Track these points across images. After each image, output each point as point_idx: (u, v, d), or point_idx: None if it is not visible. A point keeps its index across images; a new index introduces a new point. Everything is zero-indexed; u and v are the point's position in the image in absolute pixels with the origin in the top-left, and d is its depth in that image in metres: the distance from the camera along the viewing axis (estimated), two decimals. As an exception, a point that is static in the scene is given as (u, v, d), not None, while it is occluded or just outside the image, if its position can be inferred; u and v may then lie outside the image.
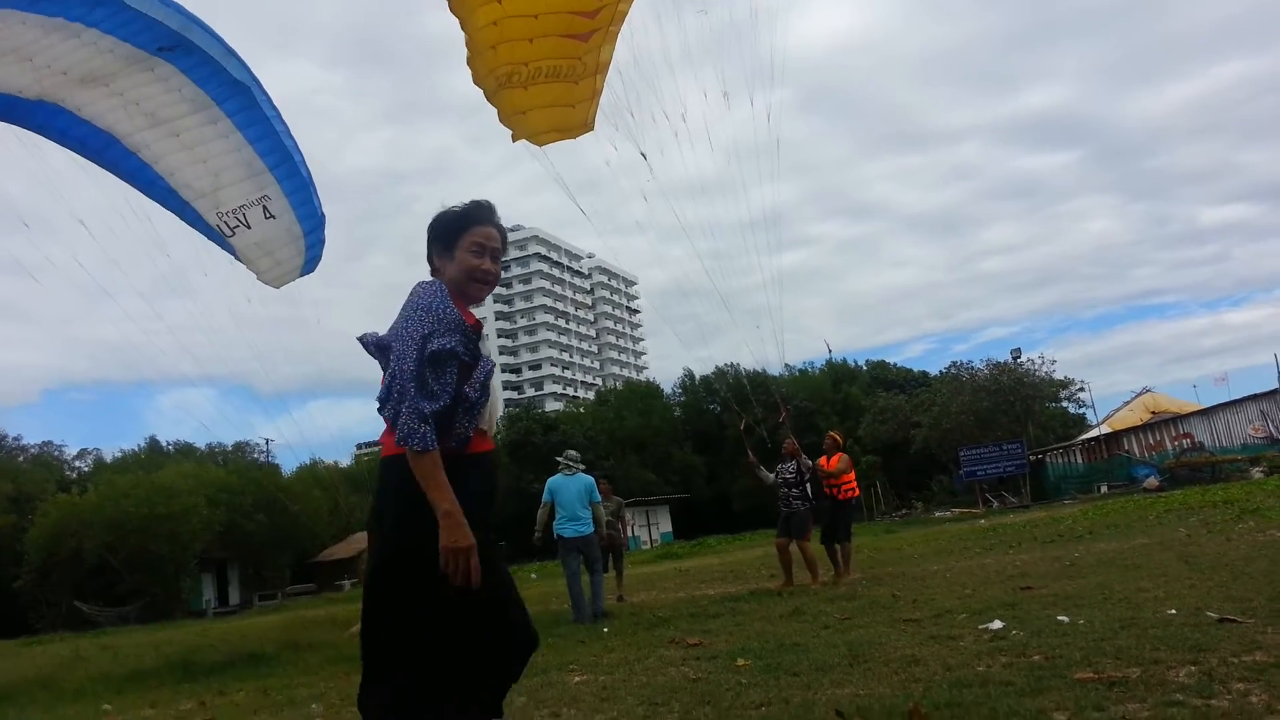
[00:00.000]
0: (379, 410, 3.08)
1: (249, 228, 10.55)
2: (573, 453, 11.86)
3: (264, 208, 10.53)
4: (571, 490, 11.24)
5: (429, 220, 3.36)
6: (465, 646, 3.04)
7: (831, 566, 12.49)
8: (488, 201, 3.38)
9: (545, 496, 11.18)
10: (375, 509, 3.21)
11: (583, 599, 11.06)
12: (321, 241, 11.52)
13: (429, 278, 3.29)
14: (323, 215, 11.35)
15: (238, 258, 11.01)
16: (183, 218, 10.58)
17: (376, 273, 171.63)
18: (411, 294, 3.18)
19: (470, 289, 3.26)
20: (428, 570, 2.90)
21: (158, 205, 10.49)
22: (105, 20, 8.57)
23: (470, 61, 10.76)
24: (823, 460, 12.71)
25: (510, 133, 11.44)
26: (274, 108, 10.31)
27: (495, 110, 11.10)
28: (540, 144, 11.71)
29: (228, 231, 10.53)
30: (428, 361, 2.98)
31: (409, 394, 2.91)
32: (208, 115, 9.82)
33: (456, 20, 10.25)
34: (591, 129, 11.74)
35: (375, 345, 3.16)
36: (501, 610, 3.16)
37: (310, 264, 11.58)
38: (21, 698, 9.64)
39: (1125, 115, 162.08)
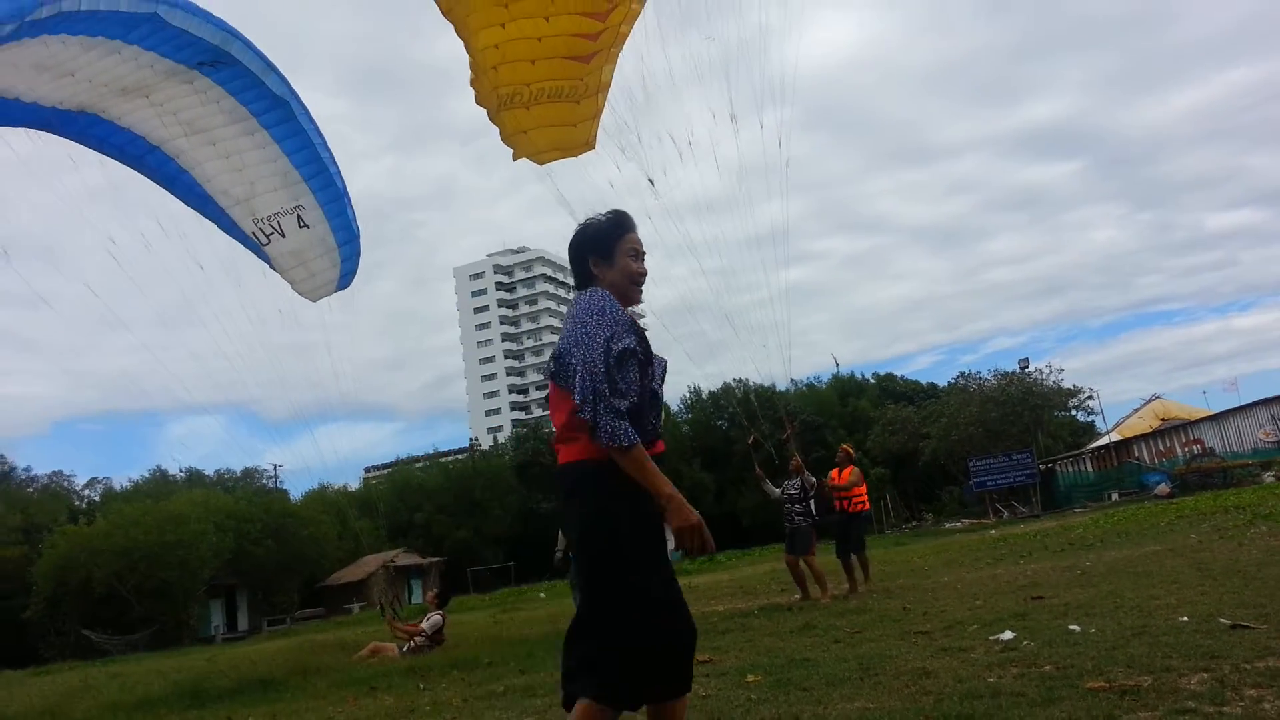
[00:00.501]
0: (575, 421, 3.11)
1: (284, 236, 10.62)
2: None
3: (298, 217, 10.59)
4: None
5: (575, 236, 3.48)
6: (667, 631, 3.11)
7: (846, 579, 12.41)
8: (625, 210, 3.54)
9: None
10: (566, 515, 3.36)
11: None
12: (357, 254, 11.56)
13: (592, 289, 3.34)
14: (357, 229, 11.39)
15: (272, 266, 11.04)
16: (220, 225, 10.64)
17: (383, 299, 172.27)
18: (578, 304, 3.28)
19: (631, 292, 3.40)
20: (627, 562, 3.05)
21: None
22: (145, 39, 8.67)
23: (473, 82, 10.88)
24: (834, 473, 12.68)
25: (511, 152, 11.54)
26: (312, 122, 10.40)
27: (497, 130, 11.20)
28: (541, 162, 11.79)
29: (263, 239, 10.60)
30: (615, 362, 3.07)
31: (603, 395, 3.01)
32: (245, 126, 9.93)
33: (461, 43, 10.34)
34: (593, 148, 11.82)
35: (553, 365, 3.25)
36: (681, 600, 3.25)
37: (346, 277, 11.62)
38: (30, 728, 9.62)
39: (1129, 124, 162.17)
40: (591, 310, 3.18)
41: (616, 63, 11.11)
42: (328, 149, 10.67)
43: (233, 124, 9.84)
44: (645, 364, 3.22)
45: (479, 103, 11.07)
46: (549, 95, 10.80)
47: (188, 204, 10.44)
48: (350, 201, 11.16)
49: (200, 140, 9.83)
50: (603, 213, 3.50)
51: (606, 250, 3.39)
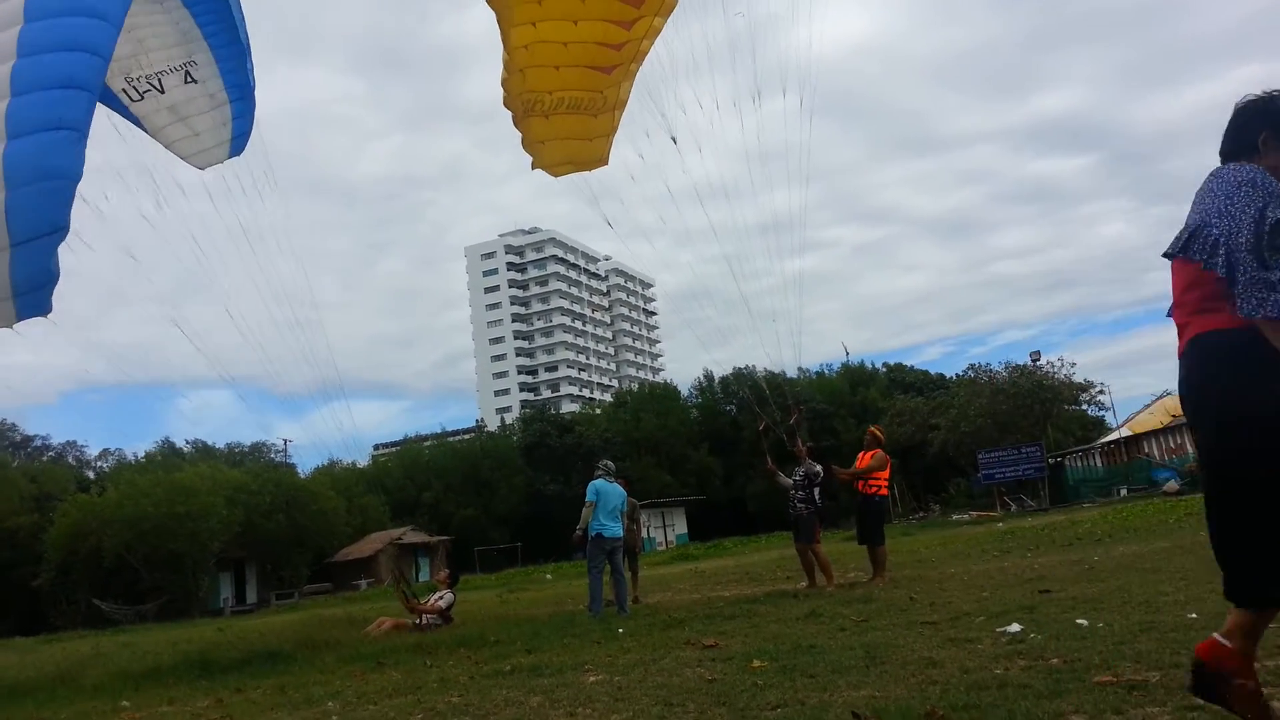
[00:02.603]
0: (1216, 290, 3.02)
1: (162, 91, 9.94)
2: (610, 463, 12.45)
3: (186, 72, 9.97)
4: (616, 495, 11.81)
5: (1255, 102, 3.33)
6: None
7: (872, 567, 12.13)
8: None
9: (591, 496, 11.60)
10: (1195, 395, 3.21)
11: (601, 594, 11.57)
12: (250, 113, 10.73)
13: (1241, 164, 3.17)
14: (253, 83, 10.65)
15: (144, 128, 10.37)
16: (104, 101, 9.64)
17: (391, 277, 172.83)
18: (1225, 175, 3.17)
19: None
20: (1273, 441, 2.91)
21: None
22: None
23: (504, 82, 11.12)
24: (861, 455, 12.52)
25: (528, 155, 11.79)
26: None
27: (520, 135, 11.49)
28: (556, 175, 12.12)
29: (135, 96, 9.94)
30: (1267, 232, 2.96)
31: (1247, 266, 2.92)
32: None
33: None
34: (606, 164, 12.08)
35: (1185, 240, 3.14)
36: None
37: (239, 139, 10.80)
38: (41, 693, 9.73)
39: (1140, 119, 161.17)
40: (1243, 181, 3.06)
41: (634, 81, 11.35)
42: (240, 7, 10.13)
43: None
44: None
45: (507, 105, 11.33)
46: (568, 106, 11.05)
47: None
48: (251, 58, 10.47)
49: None
50: None
51: None
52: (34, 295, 8.11)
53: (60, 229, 7.82)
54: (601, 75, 10.95)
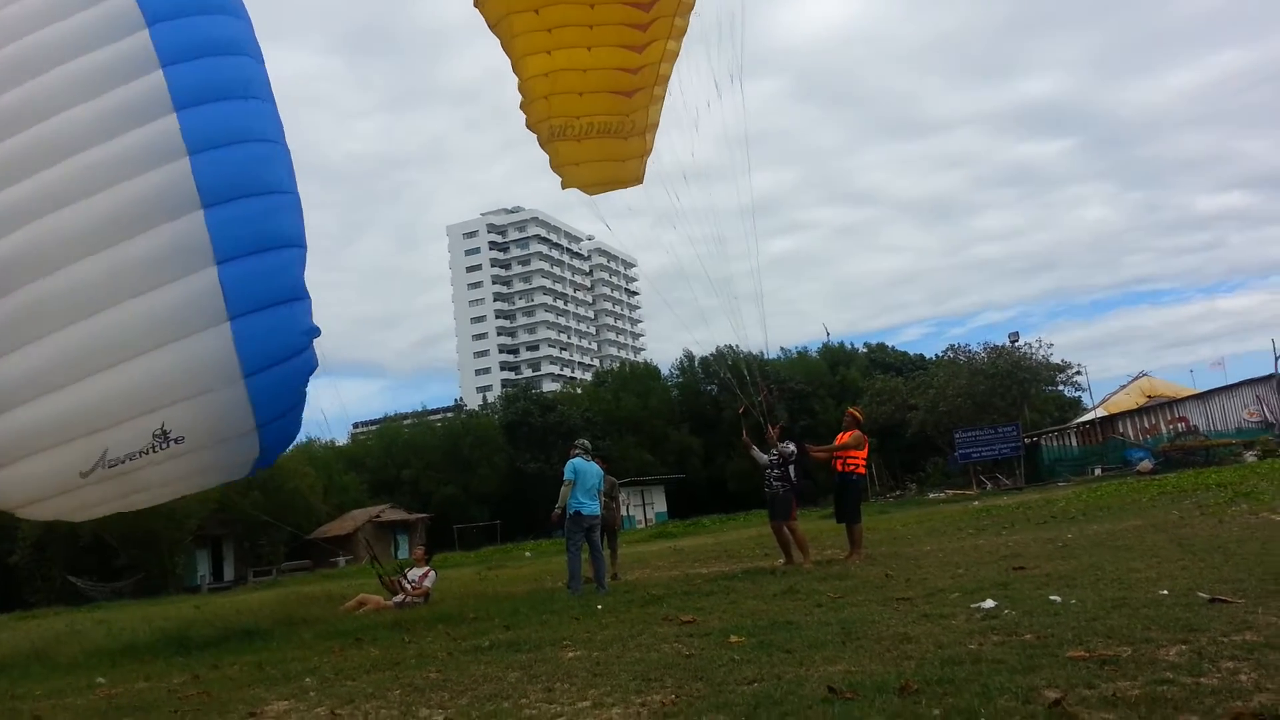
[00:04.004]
0: None
1: None
2: (586, 442, 12.58)
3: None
4: (593, 474, 11.91)
5: None
6: None
7: (850, 544, 12.30)
8: None
9: (569, 475, 11.65)
10: None
11: (580, 572, 11.59)
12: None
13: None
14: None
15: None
16: None
17: (370, 255, 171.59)
18: None
19: None
20: None
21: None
22: None
23: (523, 106, 11.50)
24: (839, 436, 12.62)
25: (558, 176, 12.16)
26: None
27: (547, 157, 11.86)
28: (590, 194, 12.42)
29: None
30: None
31: None
32: None
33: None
34: (641, 183, 12.35)
35: None
36: None
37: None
38: (15, 670, 9.63)
39: (1121, 104, 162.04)
40: None
41: (661, 104, 11.65)
42: None
43: None
44: None
45: (529, 127, 11.66)
46: (598, 130, 11.45)
47: None
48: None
49: None
50: None
51: None
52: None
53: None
54: (624, 99, 11.38)
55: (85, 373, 8.63)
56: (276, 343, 9.21)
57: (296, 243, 9.58)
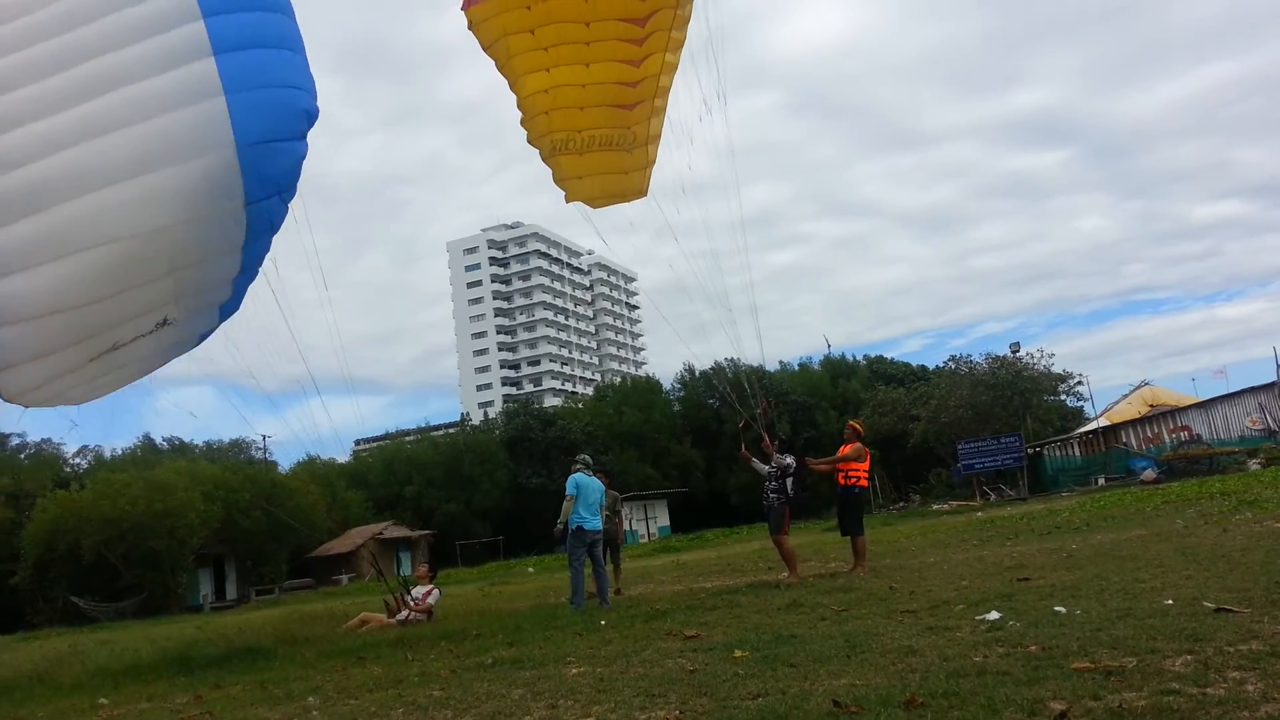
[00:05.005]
0: None
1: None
2: (587, 457, 12.64)
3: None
4: (595, 489, 11.94)
5: None
6: None
7: (854, 557, 12.28)
8: None
9: (571, 490, 11.66)
10: None
11: (583, 588, 11.56)
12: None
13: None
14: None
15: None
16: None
17: (370, 273, 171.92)
18: None
19: None
20: None
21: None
22: None
23: (523, 122, 11.60)
24: (841, 449, 12.63)
25: (561, 190, 12.25)
26: None
27: (550, 172, 11.97)
28: (595, 207, 12.50)
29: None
30: None
31: None
32: None
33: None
34: (645, 195, 12.39)
35: None
36: None
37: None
38: (18, 692, 9.61)
39: (1116, 115, 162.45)
40: None
41: (664, 116, 11.73)
42: None
43: None
44: None
45: (531, 143, 11.76)
46: (600, 143, 11.54)
47: None
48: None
49: None
50: None
51: None
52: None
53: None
54: (625, 112, 11.45)
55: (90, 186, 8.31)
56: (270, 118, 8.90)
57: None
